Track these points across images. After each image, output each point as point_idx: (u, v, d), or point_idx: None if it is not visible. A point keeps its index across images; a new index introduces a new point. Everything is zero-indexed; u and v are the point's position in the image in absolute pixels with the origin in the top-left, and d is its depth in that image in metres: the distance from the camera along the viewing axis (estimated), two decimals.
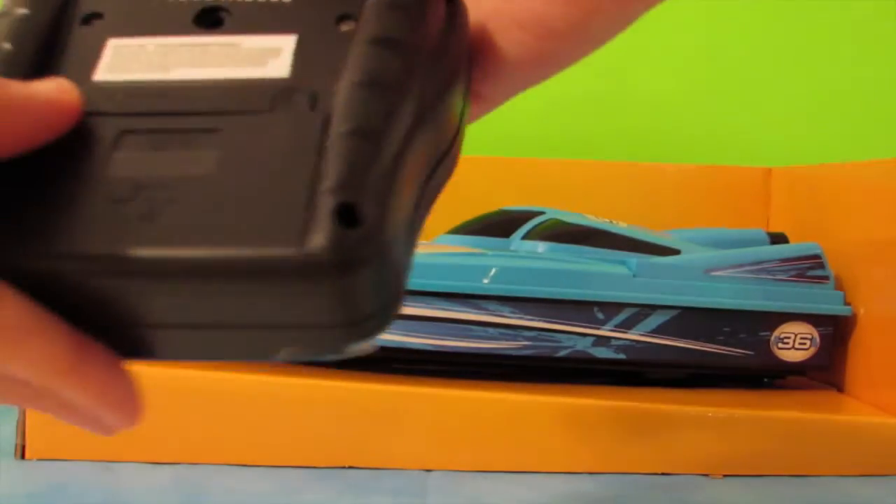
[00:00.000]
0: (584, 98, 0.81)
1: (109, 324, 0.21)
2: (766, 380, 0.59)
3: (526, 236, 0.56)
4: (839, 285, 0.57)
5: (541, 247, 0.55)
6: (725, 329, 0.54)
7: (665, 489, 0.47)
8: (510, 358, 0.52)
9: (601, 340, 0.53)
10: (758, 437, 0.50)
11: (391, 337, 0.51)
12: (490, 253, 0.54)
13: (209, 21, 0.24)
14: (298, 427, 0.48)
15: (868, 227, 0.57)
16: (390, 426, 0.49)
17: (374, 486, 0.46)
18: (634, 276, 0.53)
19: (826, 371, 0.58)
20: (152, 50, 0.24)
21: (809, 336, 0.56)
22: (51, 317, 0.20)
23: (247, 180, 0.20)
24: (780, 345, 0.56)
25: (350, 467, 0.48)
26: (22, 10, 0.24)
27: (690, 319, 0.54)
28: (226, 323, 0.21)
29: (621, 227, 0.57)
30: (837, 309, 0.56)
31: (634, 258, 0.54)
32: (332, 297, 0.19)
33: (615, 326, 0.53)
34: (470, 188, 0.70)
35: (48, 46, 0.23)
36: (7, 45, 0.23)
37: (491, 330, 0.51)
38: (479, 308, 0.51)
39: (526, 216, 0.57)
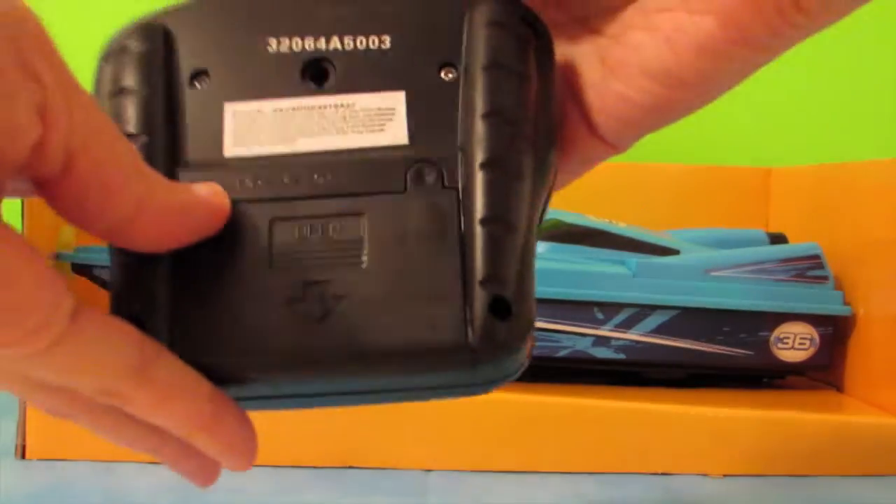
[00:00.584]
0: None
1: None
2: (765, 380, 0.59)
3: None
4: (839, 285, 0.57)
5: (541, 247, 0.55)
6: (725, 329, 0.54)
7: (665, 489, 0.47)
8: None
9: (601, 340, 0.53)
10: (758, 437, 0.50)
11: None
12: None
13: (316, 75, 0.25)
14: (298, 427, 0.48)
15: (868, 227, 0.57)
16: (390, 426, 0.49)
17: (374, 486, 0.46)
18: (634, 276, 0.53)
19: (826, 371, 0.58)
20: (271, 116, 0.24)
21: (809, 336, 0.56)
22: (195, 375, 0.22)
23: (402, 269, 0.22)
24: (780, 345, 0.56)
25: (350, 467, 0.48)
26: (135, 87, 0.24)
27: (690, 319, 0.54)
28: (385, 389, 0.24)
29: (621, 227, 0.57)
30: (837, 309, 0.56)
31: (634, 258, 0.54)
32: (485, 371, 0.23)
33: (615, 326, 0.53)
34: None
35: (171, 122, 0.24)
36: (143, 138, 0.23)
37: None
38: None
39: None
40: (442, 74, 0.24)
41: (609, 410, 0.50)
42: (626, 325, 0.53)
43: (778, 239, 0.61)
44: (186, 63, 0.24)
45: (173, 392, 0.21)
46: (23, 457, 0.47)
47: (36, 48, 0.18)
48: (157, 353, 0.21)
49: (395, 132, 0.24)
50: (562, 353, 0.52)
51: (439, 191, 0.23)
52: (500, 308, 0.22)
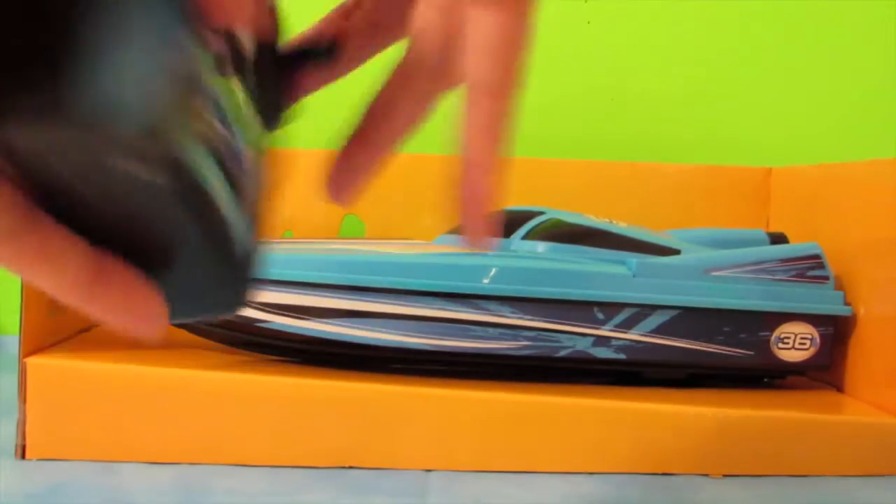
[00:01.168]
0: (585, 98, 0.81)
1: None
2: (766, 380, 0.59)
3: (526, 236, 0.56)
4: (839, 285, 0.57)
5: (541, 247, 0.55)
6: (725, 329, 0.54)
7: (665, 489, 0.47)
8: (510, 358, 0.52)
9: (601, 340, 0.53)
10: (758, 437, 0.50)
11: (391, 337, 0.51)
12: (490, 253, 0.54)
13: None
14: (298, 427, 0.48)
15: (868, 227, 0.57)
16: (390, 426, 0.49)
17: (374, 486, 0.46)
18: (634, 276, 0.53)
19: (826, 371, 0.58)
20: None
21: (809, 336, 0.56)
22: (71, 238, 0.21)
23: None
24: (780, 345, 0.56)
25: (350, 467, 0.48)
26: None
27: (690, 319, 0.54)
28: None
29: (621, 227, 0.57)
30: (837, 309, 0.56)
31: (634, 258, 0.54)
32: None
33: (615, 326, 0.53)
34: None
35: None
36: None
37: (491, 330, 0.51)
38: (479, 308, 0.51)
39: (526, 216, 0.57)
40: None
41: (609, 410, 0.50)
42: (627, 325, 0.53)
43: (778, 239, 0.61)
44: None
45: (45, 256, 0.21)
46: (23, 457, 0.47)
47: None
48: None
49: None
50: (562, 353, 0.52)
51: None
52: None
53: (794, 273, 0.56)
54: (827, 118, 0.81)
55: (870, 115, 0.80)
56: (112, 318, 0.23)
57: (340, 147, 0.28)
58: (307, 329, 0.50)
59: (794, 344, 0.56)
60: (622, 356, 0.53)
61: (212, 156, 0.21)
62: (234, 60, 0.24)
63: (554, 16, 0.78)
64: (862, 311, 0.56)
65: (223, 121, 0.21)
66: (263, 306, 0.50)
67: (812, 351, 0.56)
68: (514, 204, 0.59)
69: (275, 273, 0.50)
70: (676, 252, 0.56)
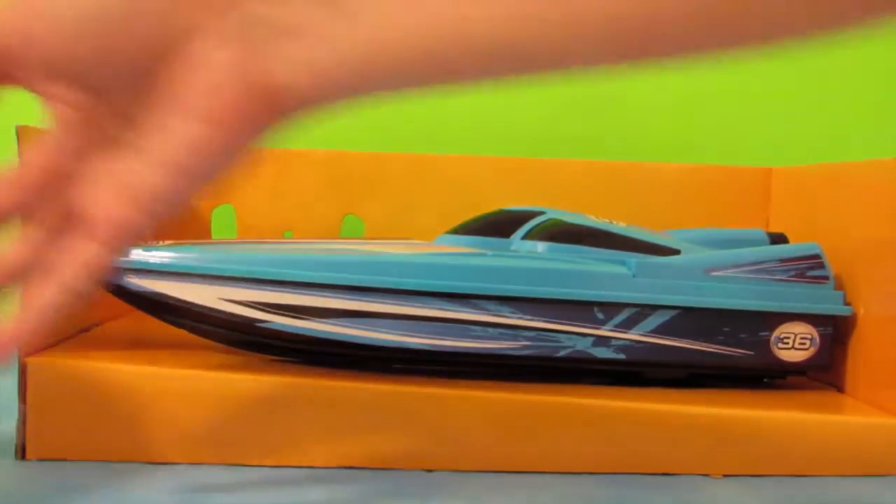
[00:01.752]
0: (584, 98, 0.81)
1: None
2: (766, 380, 0.59)
3: (526, 236, 0.56)
4: (839, 285, 0.57)
5: (541, 247, 0.55)
6: (725, 329, 0.54)
7: (665, 489, 0.47)
8: (510, 358, 0.52)
9: (601, 340, 0.53)
10: (758, 437, 0.50)
11: (391, 337, 0.51)
12: (490, 253, 0.54)
13: None
14: (298, 427, 0.48)
15: (868, 227, 0.57)
16: (390, 426, 0.49)
17: (374, 486, 0.46)
18: (634, 276, 0.53)
19: (826, 371, 0.58)
20: None
21: (809, 336, 0.56)
22: None
23: None
24: (780, 345, 0.56)
25: (350, 467, 0.48)
26: None
27: (690, 319, 0.54)
28: None
29: (621, 227, 0.57)
30: (837, 309, 0.56)
31: (634, 258, 0.54)
32: None
33: (615, 326, 0.53)
34: (470, 188, 0.71)
35: None
36: None
37: (491, 330, 0.51)
38: (479, 308, 0.51)
39: (526, 216, 0.57)
40: None
41: (609, 410, 0.50)
42: (626, 325, 0.53)
43: (778, 239, 0.61)
44: None
45: None
46: (23, 457, 0.47)
47: None
48: None
49: None
50: (562, 353, 0.52)
51: None
52: None
53: (793, 273, 0.56)
54: (827, 118, 0.81)
55: (870, 115, 0.80)
56: None
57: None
58: (307, 329, 0.50)
59: (794, 344, 0.56)
60: (622, 356, 0.53)
61: None
62: None
63: None
64: (862, 311, 0.56)
65: None
66: (263, 306, 0.50)
67: (812, 351, 0.56)
68: (514, 204, 0.59)
69: (275, 273, 0.50)
70: (676, 252, 0.56)
